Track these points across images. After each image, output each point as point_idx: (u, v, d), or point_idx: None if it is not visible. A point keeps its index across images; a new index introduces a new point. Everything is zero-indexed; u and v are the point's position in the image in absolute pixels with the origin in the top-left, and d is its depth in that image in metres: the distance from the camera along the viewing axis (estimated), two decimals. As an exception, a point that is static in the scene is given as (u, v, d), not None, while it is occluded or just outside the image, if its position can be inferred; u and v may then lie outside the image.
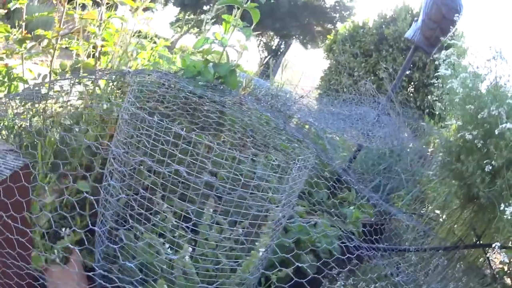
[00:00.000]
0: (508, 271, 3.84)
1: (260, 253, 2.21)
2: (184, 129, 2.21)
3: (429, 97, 3.94)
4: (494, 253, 3.97)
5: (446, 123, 3.70)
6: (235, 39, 3.87)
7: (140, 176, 2.24)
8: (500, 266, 3.99)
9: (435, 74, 3.62)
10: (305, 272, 2.39)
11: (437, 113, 3.72)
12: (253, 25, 3.78)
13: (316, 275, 2.33)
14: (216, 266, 2.26)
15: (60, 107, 3.41)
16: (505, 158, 2.92)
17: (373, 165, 5.88)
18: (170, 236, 2.16)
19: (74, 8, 4.07)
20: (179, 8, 38.51)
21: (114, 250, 2.19)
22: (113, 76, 3.61)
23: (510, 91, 3.20)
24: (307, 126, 5.72)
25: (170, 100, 3.19)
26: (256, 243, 2.23)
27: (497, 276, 3.70)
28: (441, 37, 3.81)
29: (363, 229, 3.71)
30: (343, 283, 2.80)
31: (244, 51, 3.91)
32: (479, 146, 3.05)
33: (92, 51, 4.11)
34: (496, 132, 2.89)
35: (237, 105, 3.48)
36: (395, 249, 3.57)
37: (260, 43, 34.36)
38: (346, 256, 2.62)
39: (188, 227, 2.16)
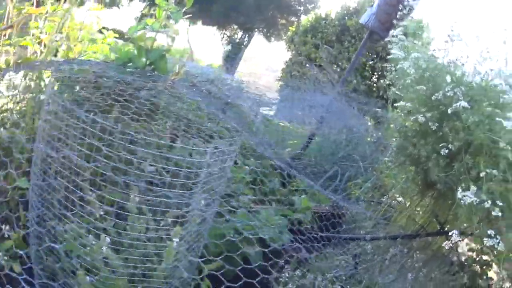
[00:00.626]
0: (477, 259, 3.74)
1: (175, 243, 2.11)
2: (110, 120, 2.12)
3: (381, 81, 3.85)
4: (462, 240, 3.88)
5: (395, 105, 3.58)
6: (168, 24, 3.76)
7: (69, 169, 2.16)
8: (469, 253, 3.90)
9: (387, 57, 3.49)
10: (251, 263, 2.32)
11: (391, 98, 3.57)
12: (185, 8, 3.79)
13: (263, 266, 2.30)
14: (138, 257, 2.15)
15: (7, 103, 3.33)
16: (462, 140, 2.78)
17: (332, 154, 5.76)
18: (91, 225, 2.10)
19: (32, 4, 3.97)
20: (145, 3, 38.17)
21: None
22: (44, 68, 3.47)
23: (468, 72, 3.10)
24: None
25: (102, 89, 3.05)
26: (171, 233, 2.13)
27: (465, 264, 3.60)
28: (394, 21, 3.67)
29: (321, 218, 3.60)
30: (289, 274, 2.69)
31: (194, 41, 3.86)
32: (433, 129, 2.92)
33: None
34: (449, 111, 2.76)
35: (167, 90, 3.36)
36: (348, 238, 3.45)
37: (223, 37, 34.17)
38: (294, 246, 2.54)
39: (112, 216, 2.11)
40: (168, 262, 2.13)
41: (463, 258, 3.81)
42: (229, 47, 32.02)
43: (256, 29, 33.02)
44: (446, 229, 3.23)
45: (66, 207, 2.13)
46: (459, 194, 2.53)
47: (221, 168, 2.36)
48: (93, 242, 2.04)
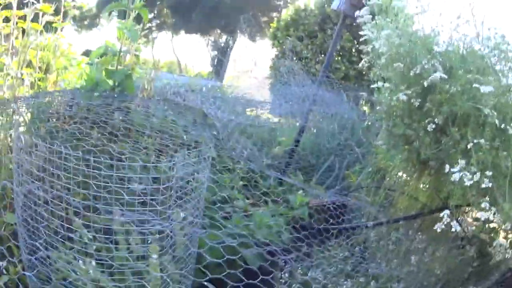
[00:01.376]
0: (484, 228, 3.68)
1: (154, 260, 2.10)
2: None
3: (360, 64, 3.76)
4: (467, 213, 3.81)
5: (372, 86, 3.51)
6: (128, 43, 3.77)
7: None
8: (476, 223, 3.83)
9: (361, 39, 3.42)
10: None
11: (373, 80, 3.50)
12: (142, 24, 3.85)
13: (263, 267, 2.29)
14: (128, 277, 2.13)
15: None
16: (447, 113, 2.71)
17: (327, 143, 5.70)
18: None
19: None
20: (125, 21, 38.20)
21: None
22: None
23: (441, 43, 3.03)
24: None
25: (76, 117, 3.04)
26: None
27: (470, 237, 3.54)
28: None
29: (321, 212, 3.55)
30: (289, 271, 2.64)
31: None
32: (417, 106, 2.85)
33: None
34: (425, 84, 2.69)
35: (139, 109, 3.35)
36: (349, 227, 3.38)
37: (208, 43, 34.13)
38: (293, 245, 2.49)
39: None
40: (154, 277, 2.11)
41: (469, 229, 3.75)
42: (215, 52, 32.04)
43: (238, 30, 32.99)
44: (449, 204, 3.14)
45: (55, 234, 2.15)
46: (449, 170, 2.46)
47: (196, 178, 2.30)
48: (82, 267, 2.05)
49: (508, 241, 3.25)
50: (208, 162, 2.40)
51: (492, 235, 2.83)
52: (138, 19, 4.09)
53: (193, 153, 2.37)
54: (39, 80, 4.18)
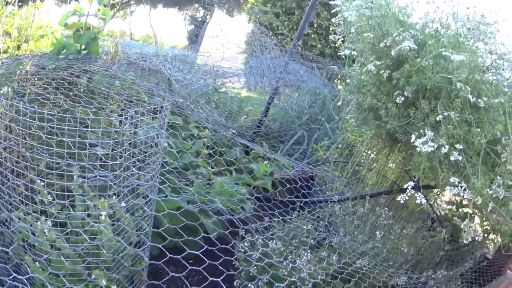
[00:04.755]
0: (457, 212, 3.65)
1: (103, 216, 2.04)
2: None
3: (331, 36, 3.68)
4: (439, 194, 3.79)
5: (339, 53, 3.46)
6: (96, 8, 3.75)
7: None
8: (449, 207, 3.82)
9: (333, 11, 3.36)
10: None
11: (343, 53, 3.44)
12: None
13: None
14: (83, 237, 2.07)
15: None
16: (415, 84, 2.65)
17: (297, 117, 5.65)
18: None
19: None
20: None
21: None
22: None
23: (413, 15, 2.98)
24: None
25: (43, 79, 3.00)
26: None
27: (442, 218, 3.52)
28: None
29: (286, 184, 3.50)
30: (251, 241, 2.58)
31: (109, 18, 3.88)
32: (386, 77, 2.79)
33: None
34: (393, 53, 2.62)
35: (102, 71, 3.32)
36: (314, 201, 3.33)
37: (185, 17, 33.81)
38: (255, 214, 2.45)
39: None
40: (106, 236, 2.06)
41: (441, 213, 3.73)
42: (192, 26, 31.80)
43: (216, 5, 32.75)
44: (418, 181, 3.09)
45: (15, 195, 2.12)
46: (415, 141, 2.41)
47: (151, 137, 2.25)
48: (39, 226, 2.01)
49: (479, 226, 3.24)
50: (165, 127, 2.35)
51: (467, 221, 2.79)
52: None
53: (155, 119, 2.30)
54: (16, 48, 4.19)
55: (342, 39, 3.51)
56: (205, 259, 1.87)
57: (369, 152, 4.05)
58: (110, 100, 3.12)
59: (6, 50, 4.19)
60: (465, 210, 3.54)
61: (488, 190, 2.32)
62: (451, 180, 2.32)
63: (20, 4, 4.48)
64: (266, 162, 3.94)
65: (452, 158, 2.28)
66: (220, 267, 1.92)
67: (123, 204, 2.11)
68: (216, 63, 6.33)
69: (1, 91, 2.89)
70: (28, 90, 2.99)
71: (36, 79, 3.12)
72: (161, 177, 2.51)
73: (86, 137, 2.16)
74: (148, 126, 2.29)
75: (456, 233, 3.41)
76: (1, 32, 4.01)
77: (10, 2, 4.21)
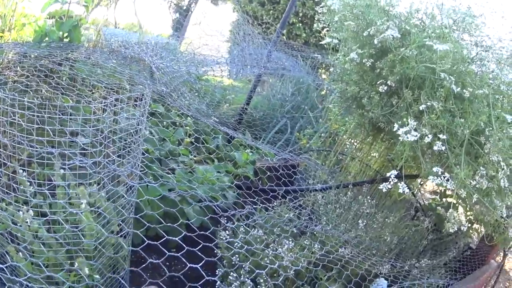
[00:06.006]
0: (441, 202, 3.67)
1: (83, 205, 2.04)
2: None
3: (315, 25, 3.66)
4: (423, 183, 3.80)
5: (321, 42, 3.45)
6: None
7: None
8: (433, 196, 3.83)
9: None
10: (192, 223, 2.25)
11: (326, 42, 3.43)
12: None
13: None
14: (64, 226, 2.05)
15: None
16: (399, 74, 2.65)
17: (280, 106, 5.63)
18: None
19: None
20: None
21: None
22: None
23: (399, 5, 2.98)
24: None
25: (25, 67, 2.98)
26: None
27: (425, 208, 3.53)
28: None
29: (268, 172, 3.50)
30: (232, 229, 2.58)
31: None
32: (369, 66, 2.79)
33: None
34: (376, 41, 2.62)
35: (84, 59, 3.30)
36: (295, 189, 3.32)
37: (170, 5, 33.60)
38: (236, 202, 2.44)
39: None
40: (86, 223, 2.04)
41: (425, 202, 3.74)
42: (177, 14, 31.64)
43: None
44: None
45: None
46: (398, 130, 2.40)
47: (132, 125, 2.24)
48: (21, 216, 2.00)
49: (463, 215, 3.25)
50: (145, 115, 2.33)
51: (451, 210, 2.80)
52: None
53: (136, 106, 2.29)
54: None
55: (327, 28, 3.50)
56: (185, 247, 1.86)
57: (352, 141, 4.05)
58: (91, 88, 3.10)
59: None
60: (449, 200, 3.56)
61: (471, 181, 2.33)
62: (434, 170, 2.33)
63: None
64: (248, 150, 3.93)
65: (435, 148, 2.28)
66: (201, 254, 1.91)
67: (103, 194, 2.10)
68: (197, 50, 6.30)
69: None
70: (10, 79, 2.95)
71: (18, 68, 3.08)
72: (142, 166, 2.49)
73: (67, 125, 2.13)
74: (129, 114, 2.27)
75: (440, 222, 3.43)
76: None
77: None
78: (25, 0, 4.56)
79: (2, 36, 4.16)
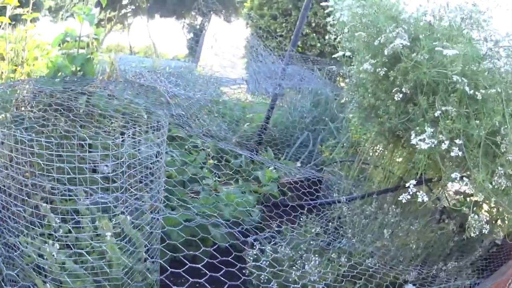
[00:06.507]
0: (465, 201, 3.64)
1: (108, 237, 2.06)
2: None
3: (326, 37, 3.69)
4: (446, 186, 3.78)
5: (334, 56, 3.46)
6: (86, 29, 3.75)
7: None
8: (457, 197, 3.80)
9: (327, 11, 3.37)
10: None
11: (340, 53, 3.45)
12: (99, 8, 3.80)
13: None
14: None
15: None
16: (412, 81, 2.66)
17: (301, 119, 5.64)
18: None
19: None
20: (98, 9, 37.86)
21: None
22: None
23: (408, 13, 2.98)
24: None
25: (41, 104, 3.04)
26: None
27: (450, 209, 3.50)
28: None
29: (294, 189, 3.51)
30: (260, 249, 2.60)
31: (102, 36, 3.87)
32: (383, 75, 2.80)
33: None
34: (386, 52, 2.63)
35: (100, 91, 3.34)
36: (323, 203, 3.34)
37: (183, 25, 33.83)
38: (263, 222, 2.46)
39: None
40: (113, 255, 2.08)
41: (450, 204, 3.72)
42: (191, 34, 31.80)
43: (213, 12, 32.77)
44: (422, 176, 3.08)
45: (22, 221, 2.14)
46: (414, 139, 2.41)
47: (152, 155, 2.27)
48: (47, 250, 2.02)
49: (485, 215, 3.23)
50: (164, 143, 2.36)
51: (475, 209, 2.78)
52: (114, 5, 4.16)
53: (155, 134, 2.32)
54: (11, 72, 4.16)
55: (338, 39, 3.51)
56: (208, 273, 1.88)
57: (374, 149, 4.05)
58: (109, 120, 3.13)
59: (1, 75, 4.17)
60: (474, 198, 3.54)
61: (489, 184, 2.32)
62: (453, 175, 2.33)
63: (14, 23, 4.43)
64: (272, 168, 3.94)
65: (452, 154, 2.28)
66: (228, 276, 1.93)
67: (129, 220, 2.13)
68: (213, 69, 6.34)
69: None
70: (27, 116, 2.99)
71: (33, 104, 3.12)
72: (166, 193, 2.52)
73: (86, 162, 2.17)
74: (147, 144, 2.30)
75: (465, 222, 3.40)
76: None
77: (0, 26, 4.19)
78: (35, 34, 4.61)
79: (16, 69, 4.19)
